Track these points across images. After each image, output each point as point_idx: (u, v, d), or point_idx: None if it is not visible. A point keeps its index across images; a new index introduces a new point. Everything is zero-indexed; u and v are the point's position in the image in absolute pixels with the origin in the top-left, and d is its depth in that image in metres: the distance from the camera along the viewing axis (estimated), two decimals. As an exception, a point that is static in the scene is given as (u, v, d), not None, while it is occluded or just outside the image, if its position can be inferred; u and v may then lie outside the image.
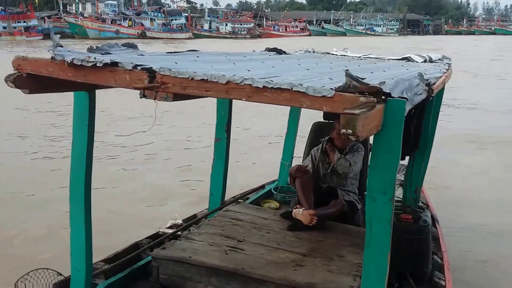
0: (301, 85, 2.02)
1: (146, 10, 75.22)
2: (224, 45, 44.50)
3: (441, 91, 4.13)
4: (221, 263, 3.31)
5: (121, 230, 6.04)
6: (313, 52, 5.45)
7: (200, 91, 2.21)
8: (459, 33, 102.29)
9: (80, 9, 74.68)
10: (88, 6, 75.01)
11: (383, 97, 2.11)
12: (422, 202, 5.03)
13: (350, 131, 1.92)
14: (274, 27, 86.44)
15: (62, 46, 2.54)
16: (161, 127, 11.83)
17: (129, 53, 2.88)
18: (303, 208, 4.05)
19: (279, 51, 4.49)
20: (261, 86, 2.08)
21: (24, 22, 61.28)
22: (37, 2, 74.96)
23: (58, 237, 5.56)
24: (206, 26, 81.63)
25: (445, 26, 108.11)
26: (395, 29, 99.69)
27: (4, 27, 59.91)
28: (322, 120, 5.12)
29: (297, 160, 5.35)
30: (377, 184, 2.32)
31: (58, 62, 2.38)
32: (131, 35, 63.78)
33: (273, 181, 5.68)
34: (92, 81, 2.38)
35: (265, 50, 4.58)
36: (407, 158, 4.14)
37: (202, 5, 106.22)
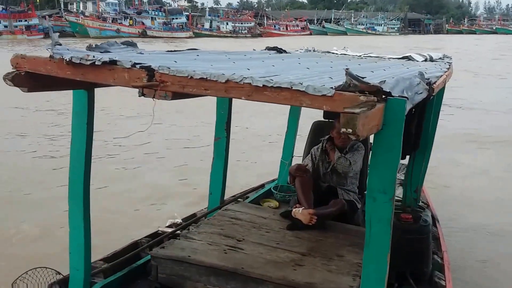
0: (301, 84, 2.01)
1: (147, 9, 75.21)
2: (224, 44, 44.51)
3: (442, 90, 4.12)
4: (220, 263, 3.30)
5: (120, 229, 6.04)
6: (314, 51, 5.43)
7: (199, 90, 2.19)
8: (460, 32, 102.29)
9: (81, 8, 74.67)
10: (89, 5, 75.05)
11: (383, 96, 2.10)
12: (422, 202, 5.02)
13: (350, 130, 1.91)
14: (275, 26, 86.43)
15: (61, 45, 2.53)
16: (161, 126, 11.82)
17: (128, 52, 2.87)
18: (303, 207, 4.04)
19: (280, 50, 4.47)
20: (261, 85, 2.07)
21: (25, 21, 61.30)
22: (38, 1, 74.99)
23: (57, 236, 5.55)
24: (207, 25, 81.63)
25: (446, 25, 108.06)
26: (396, 28, 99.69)
27: (5, 26, 59.92)
28: (322, 119, 5.10)
29: (297, 160, 5.34)
30: (377, 183, 2.31)
31: (56, 61, 2.36)
32: (132, 34, 63.75)
33: (273, 180, 5.67)
34: (91, 79, 2.37)
35: (265, 49, 4.57)
36: (407, 157, 4.13)
37: (203, 4, 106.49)
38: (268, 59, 3.64)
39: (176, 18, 75.17)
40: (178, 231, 4.14)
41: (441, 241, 4.59)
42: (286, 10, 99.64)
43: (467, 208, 7.34)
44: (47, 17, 66.95)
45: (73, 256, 3.07)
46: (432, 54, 5.04)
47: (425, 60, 4.80)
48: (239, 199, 5.01)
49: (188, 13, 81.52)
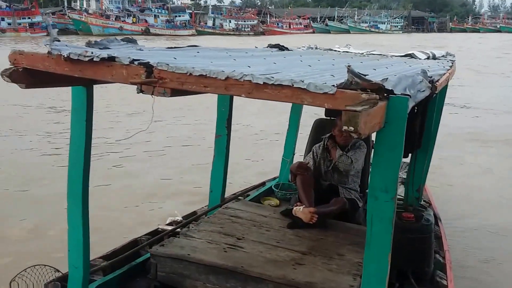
0: (303, 81, 2.00)
1: (150, 7, 75.12)
2: (226, 42, 44.46)
3: (445, 88, 4.08)
4: (219, 261, 3.28)
5: (120, 227, 6.02)
6: (316, 48, 5.40)
7: (199, 87, 2.17)
8: (464, 30, 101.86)
9: (85, 6, 74.69)
10: (92, 2, 75.03)
11: (385, 94, 2.07)
12: (424, 201, 4.98)
13: (352, 128, 1.90)
14: (277, 24, 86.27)
15: (59, 41, 2.51)
16: (162, 123, 11.81)
17: (128, 48, 2.85)
18: (304, 205, 4.02)
19: (282, 48, 4.45)
20: (261, 83, 2.05)
21: (29, 18, 61.30)
22: (41, -2, 75.07)
23: (56, 233, 5.54)
24: (210, 23, 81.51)
25: (450, 23, 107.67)
26: (399, 27, 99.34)
27: (9, 24, 59.94)
28: (324, 116, 5.08)
29: (299, 158, 5.31)
30: (379, 182, 2.28)
31: (54, 57, 2.35)
32: (135, 31, 63.69)
33: (274, 178, 5.65)
34: (89, 76, 2.35)
35: (267, 47, 4.54)
36: (408, 156, 4.10)
37: (206, 1, 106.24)
38: (269, 56, 3.61)
39: (179, 16, 75.07)
40: (178, 229, 4.13)
41: (443, 240, 4.57)
42: (289, 8, 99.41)
43: (470, 207, 7.31)
44: (50, 14, 66.93)
45: (71, 254, 3.05)
46: (435, 52, 5.01)
47: (428, 58, 4.77)
48: (239, 197, 5.00)
49: (191, 11, 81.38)
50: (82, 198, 2.97)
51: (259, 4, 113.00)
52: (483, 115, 15.06)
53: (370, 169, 2.49)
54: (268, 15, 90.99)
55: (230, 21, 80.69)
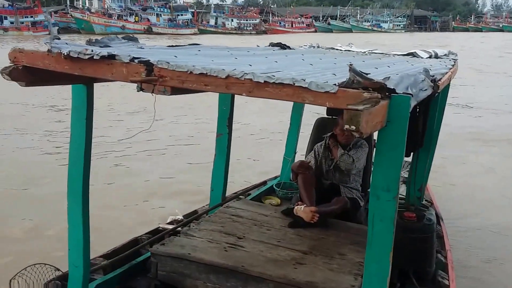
0: (304, 80, 1.99)
1: (152, 6, 75.17)
2: (228, 41, 44.40)
3: (447, 87, 4.07)
4: (220, 260, 3.27)
5: (121, 226, 6.01)
6: (318, 47, 5.38)
7: (199, 85, 2.16)
8: (466, 30, 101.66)
9: (87, 4, 74.70)
10: (95, 1, 74.97)
11: (387, 93, 2.06)
12: (426, 200, 4.97)
13: (353, 127, 1.89)
14: (280, 23, 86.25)
15: (59, 39, 2.51)
16: (163, 122, 11.80)
17: (128, 46, 2.84)
18: (305, 205, 4.00)
19: (283, 46, 4.44)
20: (262, 81, 2.04)
21: (31, 17, 61.33)
22: (44, -4, 75.11)
23: (56, 232, 5.53)
24: (212, 22, 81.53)
25: (453, 22, 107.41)
26: (402, 26, 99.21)
27: (12, 22, 59.98)
28: (325, 115, 5.06)
29: (300, 157, 5.29)
30: (381, 181, 2.27)
31: (54, 55, 2.34)
32: (137, 30, 63.74)
33: (275, 177, 5.64)
34: (89, 74, 2.34)
35: (269, 45, 4.53)
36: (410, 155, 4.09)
37: (208, 0, 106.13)
38: (271, 55, 3.60)
39: (182, 15, 75.11)
40: (179, 228, 4.12)
41: (445, 239, 4.55)
42: (291, 7, 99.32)
43: (472, 207, 7.29)
44: (52, 13, 66.95)
45: (72, 253, 3.05)
46: (437, 50, 4.98)
47: (430, 57, 4.75)
48: (240, 196, 4.98)
49: (193, 10, 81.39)
50: (83, 196, 2.96)
51: (261, 3, 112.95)
52: (486, 114, 15.02)
53: (372, 168, 2.48)
54: (270, 14, 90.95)
55: (232, 20, 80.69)
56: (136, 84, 2.28)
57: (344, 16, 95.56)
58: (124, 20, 68.52)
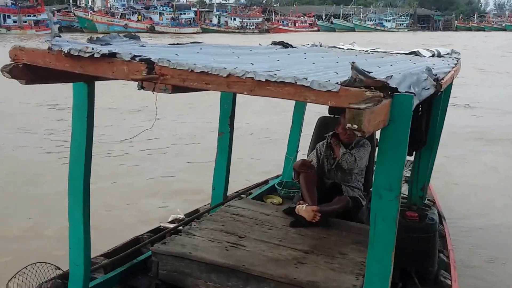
0: (306, 79, 1.98)
1: (155, 5, 75.08)
2: (231, 40, 44.39)
3: (449, 86, 4.05)
4: (221, 260, 3.26)
5: (122, 226, 6.00)
6: (320, 46, 5.37)
7: (200, 84, 2.15)
8: (469, 29, 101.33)
9: (90, 3, 74.70)
10: (98, 0, 75.06)
11: (389, 91, 2.05)
12: (428, 199, 4.96)
13: (355, 126, 1.88)
14: (282, 22, 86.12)
15: (60, 36, 2.49)
16: (165, 121, 11.78)
17: (130, 44, 2.83)
18: (306, 204, 3.99)
19: (286, 45, 4.42)
20: (264, 80, 2.03)
21: (34, 16, 61.35)
22: (47, -5, 75.05)
23: (58, 231, 5.53)
24: (215, 21, 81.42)
25: (456, 21, 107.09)
26: (405, 25, 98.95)
27: (15, 21, 60.01)
28: (328, 114, 5.04)
29: (302, 156, 5.28)
30: (383, 180, 2.26)
31: (55, 53, 2.33)
32: (140, 29, 63.67)
33: (277, 176, 5.63)
34: (90, 72, 2.33)
35: (271, 44, 4.52)
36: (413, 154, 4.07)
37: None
38: (273, 53, 3.58)
39: (184, 14, 75.00)
40: (180, 227, 4.11)
41: (447, 239, 4.54)
42: (294, 5, 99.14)
43: (475, 206, 7.27)
44: (55, 12, 66.99)
45: (72, 252, 3.04)
46: (440, 49, 4.96)
47: (433, 56, 4.73)
48: (242, 195, 4.96)
49: (196, 9, 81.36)
50: (83, 195, 2.95)
51: (264, 2, 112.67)
52: (488, 114, 14.97)
53: (375, 167, 2.46)
54: (273, 13, 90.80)
55: (235, 19, 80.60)
56: (137, 83, 2.28)
57: (347, 15, 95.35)
58: (127, 19, 68.47)
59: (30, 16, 61.22)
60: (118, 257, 3.60)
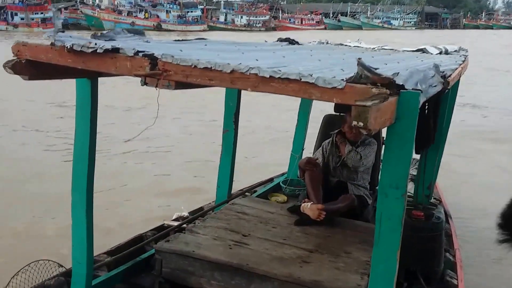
0: (311, 75, 1.95)
1: (162, 2, 75.13)
2: (237, 38, 44.26)
3: (457, 83, 4.00)
4: (225, 258, 3.23)
5: (125, 224, 5.99)
6: (327, 43, 5.33)
7: (204, 80, 2.13)
8: (477, 27, 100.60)
9: (97, 1, 74.87)
10: (105, -3, 75.22)
11: (396, 88, 2.02)
12: (435, 198, 4.92)
13: (361, 123, 1.85)
14: (289, 20, 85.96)
15: (63, 32, 2.48)
16: (167, 120, 11.76)
17: (134, 40, 2.80)
18: (312, 202, 3.95)
19: (292, 42, 4.39)
20: (268, 76, 2.01)
21: (41, 13, 61.55)
22: (54, -7, 75.23)
23: (60, 229, 5.52)
24: (221, 18, 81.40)
25: (464, 19, 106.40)
26: (412, 23, 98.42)
27: (22, 19, 60.25)
28: (334, 112, 5.00)
29: (308, 154, 5.24)
30: (390, 178, 2.24)
31: (57, 48, 2.32)
32: (147, 27, 63.67)
33: (282, 174, 5.60)
34: (93, 67, 2.31)
35: (277, 40, 4.49)
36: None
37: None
38: (279, 50, 3.56)
39: (191, 11, 75.02)
40: (184, 225, 4.09)
41: (453, 238, 4.49)
42: (301, 3, 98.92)
43: (481, 205, 7.18)
44: (62, 10, 67.13)
45: (75, 250, 3.03)
46: (447, 46, 4.91)
47: (440, 53, 4.68)
48: (246, 193, 4.94)
49: (203, 6, 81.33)
50: (87, 193, 2.94)
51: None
52: (496, 112, 14.87)
53: (381, 166, 2.43)
54: (280, 11, 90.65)
55: (241, 17, 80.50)
56: (140, 78, 2.26)
57: (354, 12, 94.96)
58: (134, 16, 68.55)
59: (37, 13, 61.44)
60: (121, 255, 3.58)
